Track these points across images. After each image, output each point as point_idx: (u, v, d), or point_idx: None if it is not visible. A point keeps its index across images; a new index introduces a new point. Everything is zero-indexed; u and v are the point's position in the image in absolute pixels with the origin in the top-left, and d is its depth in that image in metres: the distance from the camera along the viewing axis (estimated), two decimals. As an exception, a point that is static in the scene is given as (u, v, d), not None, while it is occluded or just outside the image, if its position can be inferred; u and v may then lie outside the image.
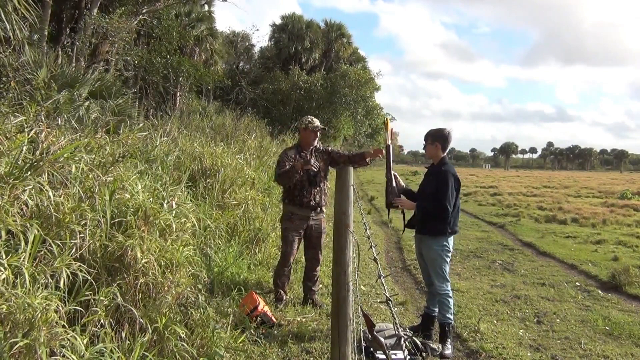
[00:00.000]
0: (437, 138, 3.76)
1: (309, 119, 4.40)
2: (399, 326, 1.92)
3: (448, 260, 3.69)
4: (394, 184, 3.79)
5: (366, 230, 3.05)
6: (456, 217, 3.69)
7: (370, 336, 3.38)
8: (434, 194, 3.64)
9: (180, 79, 13.22)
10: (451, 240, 3.69)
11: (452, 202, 3.59)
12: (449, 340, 3.63)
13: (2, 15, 4.43)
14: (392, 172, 3.78)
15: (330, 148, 4.53)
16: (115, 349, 2.42)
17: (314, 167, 4.13)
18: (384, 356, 3.23)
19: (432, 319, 3.80)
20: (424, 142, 3.85)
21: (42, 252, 2.46)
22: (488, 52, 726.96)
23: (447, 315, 3.63)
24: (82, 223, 2.69)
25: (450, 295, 3.67)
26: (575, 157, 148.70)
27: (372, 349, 3.26)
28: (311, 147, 4.35)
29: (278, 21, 26.56)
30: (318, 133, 4.34)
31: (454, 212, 3.62)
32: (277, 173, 4.23)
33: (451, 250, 3.72)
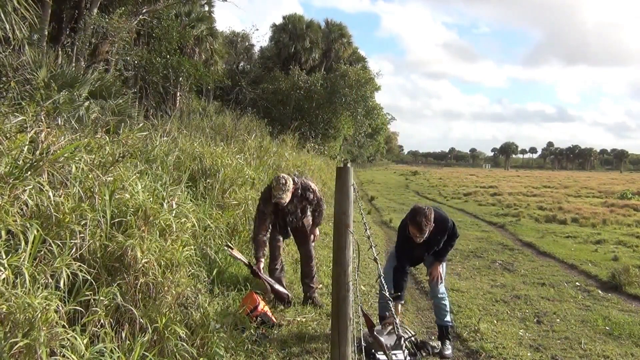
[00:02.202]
0: (432, 219, 3.33)
1: (274, 184, 4.00)
2: (398, 326, 1.92)
3: None
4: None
5: (366, 230, 3.04)
6: None
7: (370, 336, 3.38)
8: (445, 240, 3.59)
9: (180, 79, 13.22)
10: None
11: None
12: (448, 340, 3.64)
13: (2, 15, 4.44)
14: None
15: (310, 197, 4.24)
16: (115, 349, 2.42)
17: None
18: (384, 356, 3.23)
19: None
20: (420, 232, 3.30)
21: (42, 252, 2.46)
22: (490, 52, 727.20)
23: (446, 319, 3.66)
24: (82, 223, 2.69)
25: (446, 297, 3.70)
26: (575, 157, 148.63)
27: (372, 350, 3.27)
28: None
29: (279, 21, 26.62)
30: (281, 202, 4.02)
31: None
32: (253, 234, 4.22)
33: None
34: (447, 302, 3.68)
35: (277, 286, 4.13)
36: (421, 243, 3.43)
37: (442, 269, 3.67)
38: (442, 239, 3.56)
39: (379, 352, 3.21)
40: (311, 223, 4.44)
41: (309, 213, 4.42)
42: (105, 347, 2.38)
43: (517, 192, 19.72)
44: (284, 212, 4.23)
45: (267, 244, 4.19)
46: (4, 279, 2.12)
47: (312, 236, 4.46)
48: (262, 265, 4.07)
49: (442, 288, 3.66)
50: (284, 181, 4.00)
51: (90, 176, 3.06)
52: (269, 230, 4.19)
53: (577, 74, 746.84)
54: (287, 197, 4.01)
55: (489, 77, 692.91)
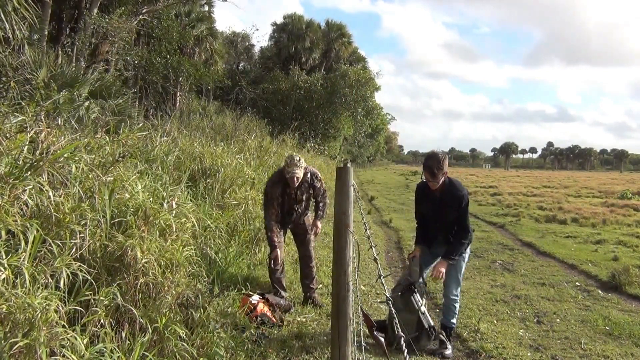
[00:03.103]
0: (445, 165, 3.42)
1: (288, 161, 4.09)
2: (399, 326, 1.92)
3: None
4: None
5: (366, 230, 3.04)
6: None
7: (370, 337, 3.38)
8: (457, 221, 3.57)
9: (180, 79, 13.24)
10: None
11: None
12: (448, 341, 3.64)
13: (2, 15, 4.44)
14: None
15: (317, 185, 4.33)
16: (115, 349, 2.42)
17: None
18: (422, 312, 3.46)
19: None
20: (431, 176, 3.42)
21: (42, 252, 2.46)
22: (490, 52, 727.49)
23: (452, 320, 3.67)
24: (82, 223, 2.69)
25: (458, 300, 3.70)
26: (575, 157, 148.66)
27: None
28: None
29: (279, 20, 26.64)
30: (295, 178, 4.08)
31: None
32: (264, 222, 4.27)
33: None
34: (457, 306, 3.69)
35: (283, 301, 4.17)
36: (430, 200, 3.57)
37: (460, 273, 3.66)
38: (451, 209, 3.52)
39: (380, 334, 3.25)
40: (314, 218, 4.42)
41: (309, 213, 4.44)
42: (105, 347, 2.37)
43: (517, 192, 19.72)
44: (291, 197, 4.23)
45: (280, 230, 4.23)
46: (4, 279, 2.11)
47: (314, 228, 4.38)
48: (278, 252, 4.12)
49: (456, 290, 3.65)
50: (297, 157, 4.13)
51: (90, 176, 3.05)
52: (279, 216, 4.22)
53: (578, 74, 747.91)
54: (300, 173, 4.11)
55: (490, 77, 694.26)
